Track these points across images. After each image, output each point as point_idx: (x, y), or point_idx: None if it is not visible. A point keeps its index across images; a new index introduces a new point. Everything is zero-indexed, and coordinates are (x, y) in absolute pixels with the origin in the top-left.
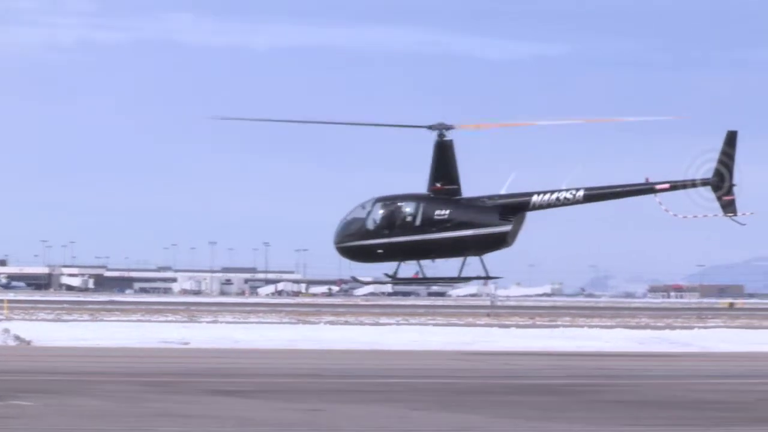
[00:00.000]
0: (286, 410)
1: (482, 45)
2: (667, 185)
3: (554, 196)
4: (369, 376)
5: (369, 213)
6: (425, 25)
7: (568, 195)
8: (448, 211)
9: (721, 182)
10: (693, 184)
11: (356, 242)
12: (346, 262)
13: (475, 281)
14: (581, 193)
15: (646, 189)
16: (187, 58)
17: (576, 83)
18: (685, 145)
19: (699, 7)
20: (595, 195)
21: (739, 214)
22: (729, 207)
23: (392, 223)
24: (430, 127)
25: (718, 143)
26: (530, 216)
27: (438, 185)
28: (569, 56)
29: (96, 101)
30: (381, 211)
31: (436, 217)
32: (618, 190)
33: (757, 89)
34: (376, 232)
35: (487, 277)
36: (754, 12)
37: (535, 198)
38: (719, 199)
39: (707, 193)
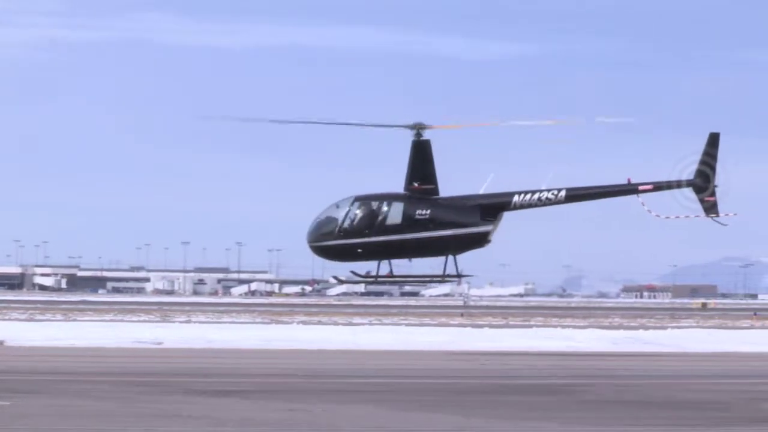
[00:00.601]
0: (285, 410)
1: (461, 45)
2: (650, 186)
3: (536, 196)
4: (366, 376)
5: (348, 212)
6: (403, 25)
7: (550, 195)
8: (429, 211)
9: (704, 183)
10: (677, 185)
11: (334, 241)
12: (320, 263)
13: (446, 281)
14: (563, 193)
15: (629, 190)
16: (159, 57)
17: (557, 83)
18: (675, 145)
19: (683, 8)
20: (577, 195)
21: (721, 215)
22: (711, 208)
23: (373, 222)
24: (407, 127)
25: (692, 141)
26: (506, 216)
27: (415, 185)
28: (550, 56)
29: (69, 101)
30: (361, 211)
31: (417, 216)
32: (600, 190)
33: (743, 90)
34: (357, 232)
35: (459, 276)
36: (738, 13)
37: (516, 198)
38: (702, 200)
39: (690, 194)
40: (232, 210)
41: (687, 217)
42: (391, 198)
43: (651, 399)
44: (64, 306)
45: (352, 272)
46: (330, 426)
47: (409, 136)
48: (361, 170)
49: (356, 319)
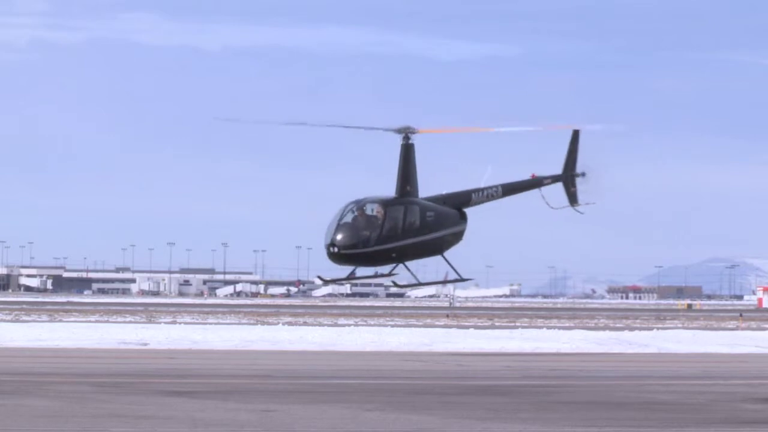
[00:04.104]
0: (238, 411)
1: (435, 45)
2: (550, 179)
3: (485, 192)
4: (322, 377)
5: (376, 216)
6: (378, 26)
7: (492, 191)
8: (434, 213)
9: (567, 176)
10: (556, 179)
11: (370, 248)
12: (304, 264)
13: (461, 281)
14: (500, 189)
15: (537, 183)
16: (142, 58)
17: (529, 84)
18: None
19: (656, 10)
20: (508, 190)
21: (582, 204)
22: (573, 198)
23: (401, 226)
24: (396, 131)
25: (673, 143)
26: (489, 217)
27: (409, 187)
28: (522, 57)
29: (53, 101)
30: (389, 214)
31: (427, 218)
32: (520, 185)
33: (711, 90)
34: (388, 236)
35: (462, 279)
36: (709, 14)
37: (473, 196)
38: (566, 191)
39: (571, 186)
40: (218, 211)
41: (564, 207)
42: (411, 202)
43: (605, 400)
44: (49, 307)
45: (319, 277)
46: (283, 426)
47: (394, 140)
48: (342, 172)
49: (342, 320)
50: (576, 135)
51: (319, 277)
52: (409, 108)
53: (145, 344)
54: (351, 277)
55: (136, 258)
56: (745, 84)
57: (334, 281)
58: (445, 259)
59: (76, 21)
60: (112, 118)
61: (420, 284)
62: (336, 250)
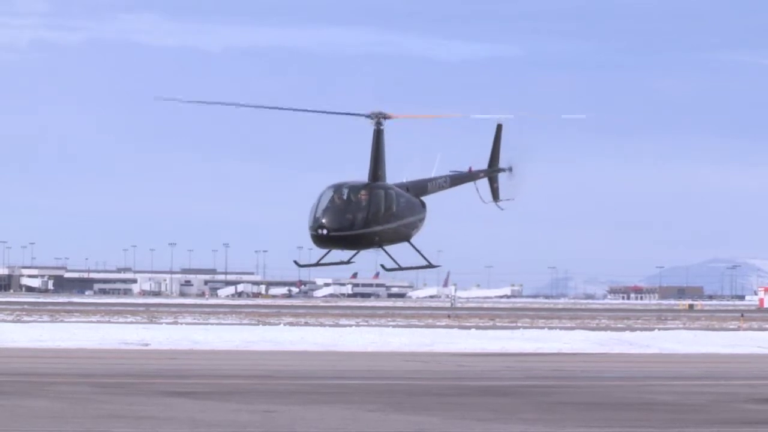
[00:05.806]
0: (239, 411)
1: (436, 46)
2: (483, 173)
3: (437, 182)
4: (323, 377)
5: (361, 200)
6: (378, 26)
7: (442, 182)
8: (405, 200)
9: (490, 171)
10: (486, 173)
11: (355, 230)
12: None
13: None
14: (448, 179)
15: (474, 176)
16: (141, 58)
17: (529, 84)
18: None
19: (656, 10)
20: (453, 181)
21: (502, 199)
22: (495, 194)
23: (383, 210)
24: (367, 116)
25: (673, 143)
26: (487, 218)
27: (380, 172)
28: (522, 57)
29: (54, 101)
30: (373, 199)
31: (401, 204)
32: (462, 176)
33: (711, 90)
34: (373, 220)
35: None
36: (709, 14)
37: (429, 185)
38: (490, 186)
39: (503, 180)
40: (219, 211)
41: (491, 201)
42: (390, 187)
43: (606, 400)
44: (50, 307)
45: (295, 261)
46: (284, 427)
47: (394, 136)
48: (344, 172)
49: (343, 321)
50: (498, 130)
51: (295, 262)
52: (409, 108)
53: (147, 345)
54: (320, 262)
55: (137, 258)
56: (745, 84)
57: (308, 266)
58: (413, 246)
59: (76, 21)
60: (112, 118)
61: (401, 268)
62: (325, 232)
